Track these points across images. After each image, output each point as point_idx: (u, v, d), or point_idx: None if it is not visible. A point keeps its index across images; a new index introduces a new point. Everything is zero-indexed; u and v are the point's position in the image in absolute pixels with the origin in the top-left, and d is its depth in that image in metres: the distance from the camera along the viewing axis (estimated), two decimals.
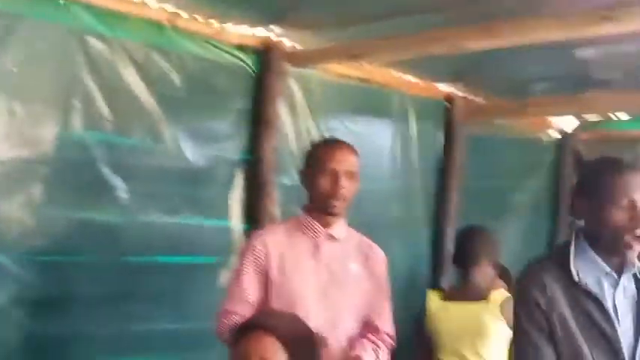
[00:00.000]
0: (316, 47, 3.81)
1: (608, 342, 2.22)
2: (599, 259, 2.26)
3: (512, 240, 5.25)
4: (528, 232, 5.44)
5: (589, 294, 2.23)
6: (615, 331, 2.22)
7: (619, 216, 2.20)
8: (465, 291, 3.69)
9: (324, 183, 2.74)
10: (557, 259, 2.30)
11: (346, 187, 2.75)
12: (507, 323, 3.51)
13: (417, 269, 4.61)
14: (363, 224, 3.76)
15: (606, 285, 2.26)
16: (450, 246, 4.61)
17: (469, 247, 3.74)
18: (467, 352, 3.55)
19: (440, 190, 4.75)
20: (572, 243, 2.28)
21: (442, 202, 4.73)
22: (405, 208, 4.51)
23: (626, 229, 2.21)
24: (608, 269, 2.26)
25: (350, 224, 2.95)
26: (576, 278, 2.23)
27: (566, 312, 2.22)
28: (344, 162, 2.77)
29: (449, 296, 3.73)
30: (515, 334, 2.34)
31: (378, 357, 2.80)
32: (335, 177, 2.74)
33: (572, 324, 2.22)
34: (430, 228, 4.71)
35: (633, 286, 2.31)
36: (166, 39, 3.32)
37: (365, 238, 2.96)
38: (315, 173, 2.77)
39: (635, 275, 2.31)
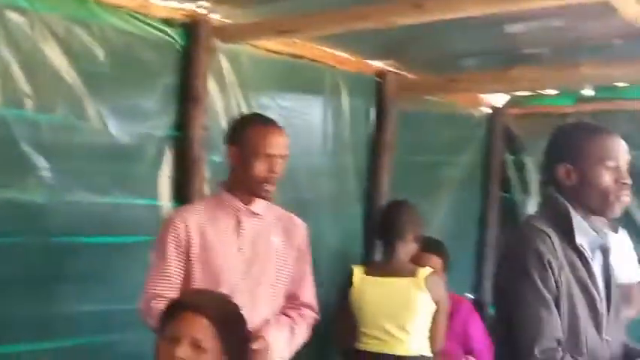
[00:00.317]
0: (245, 22, 3.75)
1: (594, 306, 2.26)
2: (588, 226, 2.29)
3: (443, 215, 5.32)
4: (459, 206, 5.50)
5: (583, 259, 2.27)
6: (600, 297, 2.28)
7: (607, 177, 2.26)
8: (390, 265, 3.71)
9: (260, 168, 2.70)
10: (551, 220, 2.30)
11: (279, 171, 2.73)
12: (432, 297, 3.55)
13: (349, 245, 4.61)
14: (295, 200, 3.77)
15: (588, 250, 2.29)
16: None
17: (393, 222, 3.76)
18: (391, 326, 3.58)
19: (372, 166, 4.74)
20: (569, 207, 2.28)
21: (374, 178, 4.73)
22: (337, 184, 4.50)
23: (612, 191, 2.26)
24: (596, 235, 2.31)
25: (282, 200, 2.93)
26: (578, 242, 2.26)
27: (569, 275, 2.24)
28: (279, 146, 2.73)
29: (373, 271, 3.75)
30: (525, 294, 2.22)
31: (293, 333, 2.79)
32: (271, 162, 2.70)
33: (574, 288, 2.24)
34: (362, 204, 4.70)
35: (601, 254, 2.37)
36: (89, 12, 3.22)
37: (285, 211, 2.95)
38: (249, 156, 2.71)
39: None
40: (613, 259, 3.55)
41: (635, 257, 3.75)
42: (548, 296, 2.19)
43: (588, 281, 2.26)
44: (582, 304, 2.24)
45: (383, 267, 3.77)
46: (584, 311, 2.23)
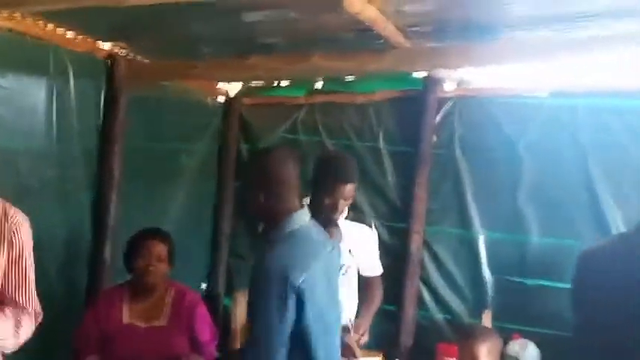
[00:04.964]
0: None
1: None
2: None
3: (179, 203, 5.24)
4: (195, 195, 5.46)
5: None
6: None
7: None
8: None
9: None
10: None
11: None
12: None
13: (78, 235, 4.38)
14: (16, 187, 3.51)
15: None
16: (112, 211, 4.46)
17: None
18: None
19: (101, 153, 4.50)
20: None
21: (104, 165, 4.50)
22: (63, 171, 4.20)
23: None
24: None
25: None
26: None
27: None
28: None
29: None
30: None
31: (19, 326, 2.57)
32: None
33: None
34: (91, 192, 4.46)
35: None
36: None
37: (5, 204, 2.68)
38: None
39: None
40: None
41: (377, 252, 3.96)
42: None
43: None
44: None
45: None
46: None
